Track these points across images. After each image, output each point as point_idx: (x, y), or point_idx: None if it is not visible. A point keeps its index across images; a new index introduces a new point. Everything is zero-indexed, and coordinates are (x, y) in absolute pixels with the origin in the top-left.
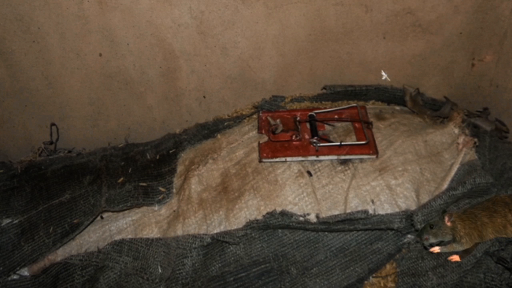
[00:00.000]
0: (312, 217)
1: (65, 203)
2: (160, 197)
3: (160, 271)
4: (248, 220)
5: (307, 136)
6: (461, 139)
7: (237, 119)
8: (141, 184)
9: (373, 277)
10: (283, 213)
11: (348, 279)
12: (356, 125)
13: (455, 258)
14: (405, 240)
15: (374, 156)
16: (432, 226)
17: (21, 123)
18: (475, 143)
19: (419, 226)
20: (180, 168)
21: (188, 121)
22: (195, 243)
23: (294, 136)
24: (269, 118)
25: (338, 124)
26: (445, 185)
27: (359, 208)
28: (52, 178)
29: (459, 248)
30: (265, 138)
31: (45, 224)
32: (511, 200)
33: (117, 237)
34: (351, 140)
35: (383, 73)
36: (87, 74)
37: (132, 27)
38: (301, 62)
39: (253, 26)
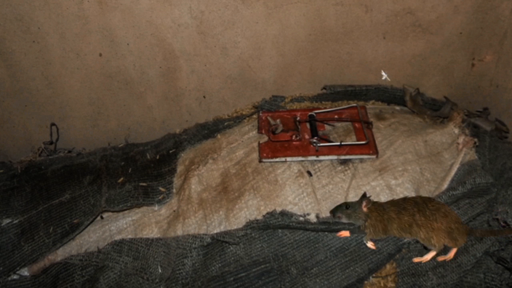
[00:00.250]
0: (312, 217)
1: (65, 203)
2: (160, 197)
3: (160, 271)
4: (248, 220)
5: (307, 136)
6: (461, 139)
7: (237, 119)
8: (141, 184)
9: (373, 277)
10: (283, 213)
11: (348, 279)
12: (356, 125)
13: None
14: (405, 240)
15: (374, 156)
16: (349, 206)
17: (21, 123)
18: (475, 143)
19: None
20: (180, 168)
21: (188, 121)
22: (195, 243)
23: (294, 136)
24: (269, 118)
25: (338, 124)
26: (445, 185)
27: None
28: (52, 178)
29: (365, 237)
30: (265, 138)
31: (45, 224)
32: (422, 201)
33: (117, 237)
34: (351, 140)
35: (383, 73)
36: (87, 74)
37: (132, 27)
38: (301, 62)
39: (253, 26)
